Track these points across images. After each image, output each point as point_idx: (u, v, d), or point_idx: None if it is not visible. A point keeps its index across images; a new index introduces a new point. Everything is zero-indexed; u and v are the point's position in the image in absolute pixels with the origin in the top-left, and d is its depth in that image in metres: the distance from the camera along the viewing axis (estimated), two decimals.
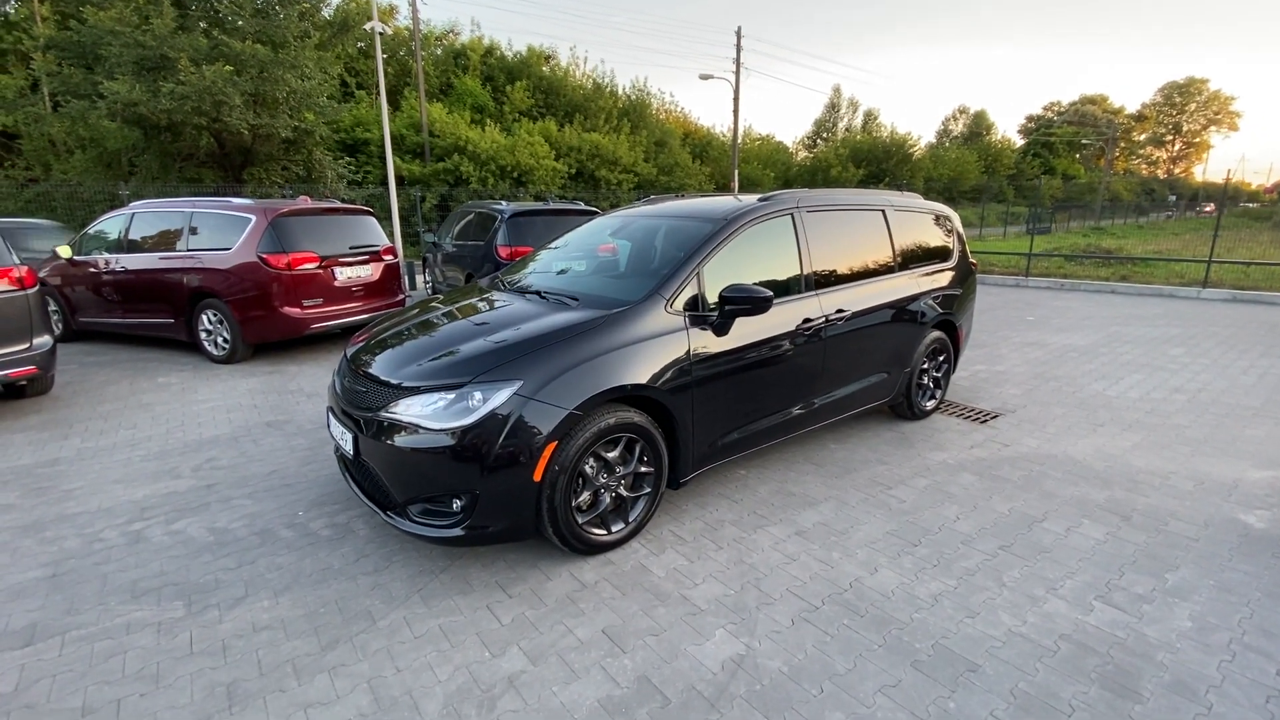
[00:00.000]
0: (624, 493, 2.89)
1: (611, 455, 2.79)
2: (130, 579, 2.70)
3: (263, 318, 6.02)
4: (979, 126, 53.12)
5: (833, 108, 48.12)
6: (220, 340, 6.25)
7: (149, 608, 2.51)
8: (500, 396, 2.49)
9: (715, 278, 3.13)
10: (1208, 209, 47.31)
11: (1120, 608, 2.51)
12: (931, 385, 4.72)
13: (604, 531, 2.84)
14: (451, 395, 2.52)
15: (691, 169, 29.42)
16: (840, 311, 3.69)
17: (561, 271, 3.83)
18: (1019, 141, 56.13)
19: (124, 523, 3.18)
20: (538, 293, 3.38)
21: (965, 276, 4.93)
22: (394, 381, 2.69)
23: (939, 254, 4.70)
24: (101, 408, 4.98)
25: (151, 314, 6.59)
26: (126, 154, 16.32)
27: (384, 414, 2.61)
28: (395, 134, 21.97)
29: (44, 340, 4.67)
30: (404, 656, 2.23)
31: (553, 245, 4.24)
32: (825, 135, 47.09)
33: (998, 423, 4.65)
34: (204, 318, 6.27)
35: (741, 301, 2.97)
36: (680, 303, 3.02)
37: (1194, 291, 10.06)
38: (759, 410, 3.37)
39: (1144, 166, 65.09)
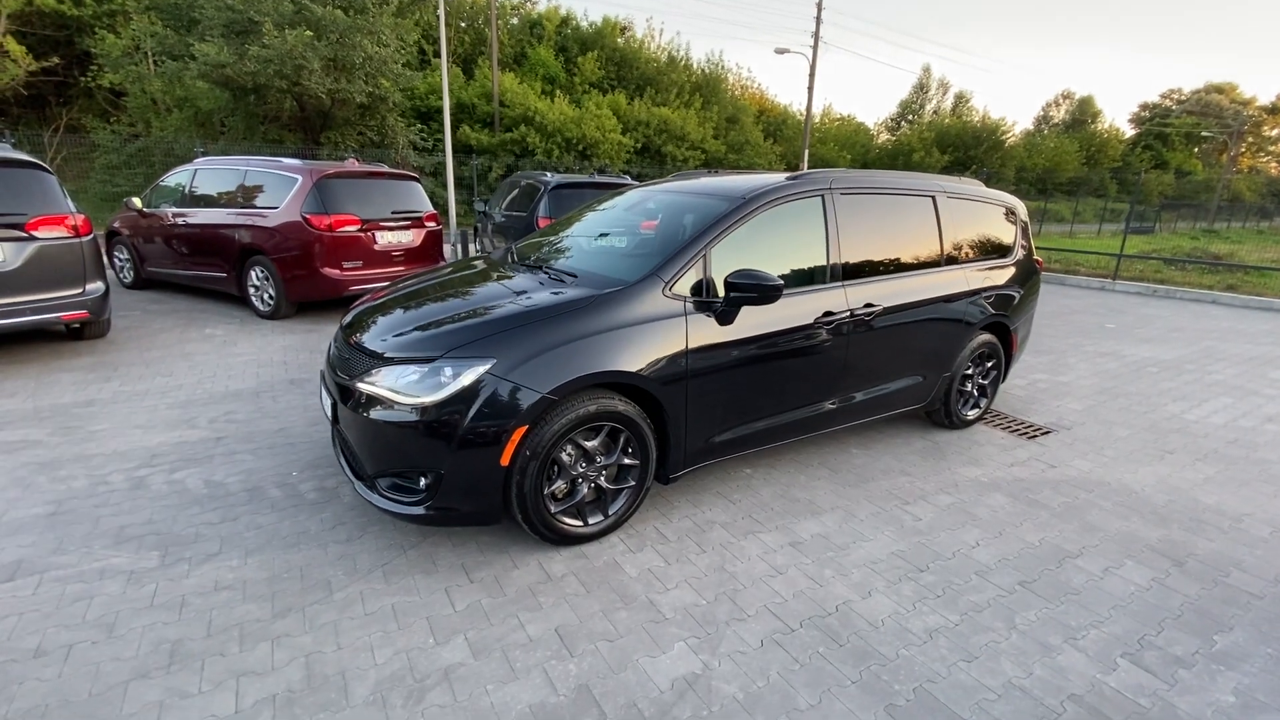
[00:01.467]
0: (605, 484, 2.74)
1: (591, 444, 2.63)
2: (119, 524, 2.77)
3: (304, 277, 6.17)
4: (1083, 113, 48.93)
5: (921, 89, 45.50)
6: (266, 296, 6.47)
7: (127, 555, 2.56)
8: (471, 374, 2.37)
9: (727, 262, 2.89)
10: None
11: (1150, 670, 2.17)
12: (976, 393, 4.31)
13: (579, 523, 2.70)
14: (424, 369, 2.42)
15: (763, 148, 28.49)
16: (869, 306, 3.36)
17: (564, 248, 3.66)
18: (1129, 132, 51.30)
19: (132, 468, 3.29)
20: (539, 267, 3.24)
21: (1027, 276, 4.45)
22: (373, 350, 2.62)
23: (997, 249, 4.25)
24: (148, 354, 5.23)
25: (208, 267, 6.89)
26: (218, 114, 17.21)
27: (360, 383, 2.54)
28: (467, 103, 22.27)
29: (96, 286, 4.92)
30: (349, 633, 2.18)
31: (573, 218, 4.08)
32: (911, 118, 44.61)
33: (1048, 440, 4.20)
34: (252, 274, 6.50)
35: (748, 289, 2.73)
36: (684, 286, 2.80)
37: None
38: (765, 408, 3.13)
39: (1274, 165, 58.33)
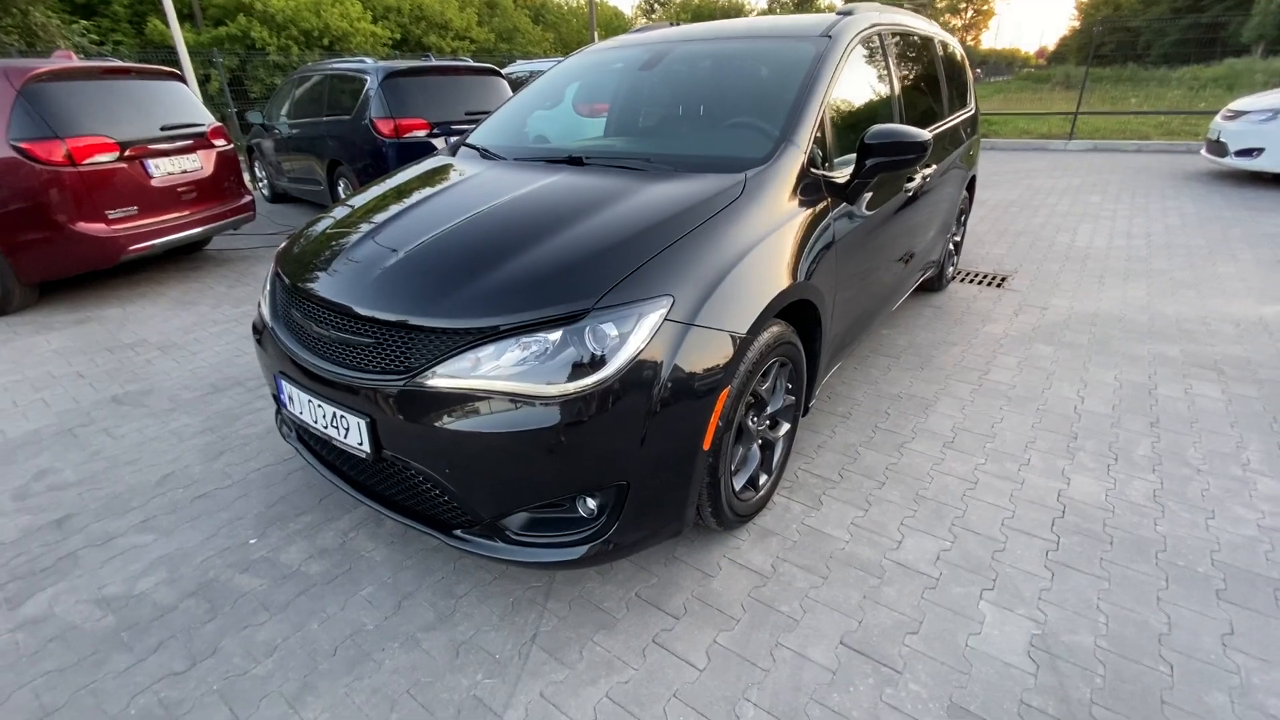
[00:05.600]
0: (770, 435, 2.08)
1: (763, 389, 1.93)
2: None
3: (45, 242, 4.02)
4: None
5: None
6: None
7: None
8: (644, 327, 1.49)
9: (827, 122, 2.22)
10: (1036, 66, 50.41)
11: None
12: (953, 250, 4.28)
13: (753, 492, 2.03)
14: (556, 334, 1.47)
15: (534, 34, 26.20)
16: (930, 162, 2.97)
17: (581, 132, 2.66)
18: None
19: None
20: (577, 160, 2.24)
21: (976, 123, 4.40)
22: (433, 322, 1.54)
23: (963, 97, 4.08)
24: None
25: None
26: None
27: (430, 381, 1.50)
28: None
29: None
30: None
31: (532, 102, 2.97)
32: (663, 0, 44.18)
33: (1013, 285, 4.37)
34: None
35: (894, 151, 2.11)
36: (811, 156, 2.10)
37: (1062, 144, 10.70)
38: (870, 297, 2.64)
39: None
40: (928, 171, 2.94)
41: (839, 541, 2.00)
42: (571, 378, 1.44)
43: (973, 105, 4.20)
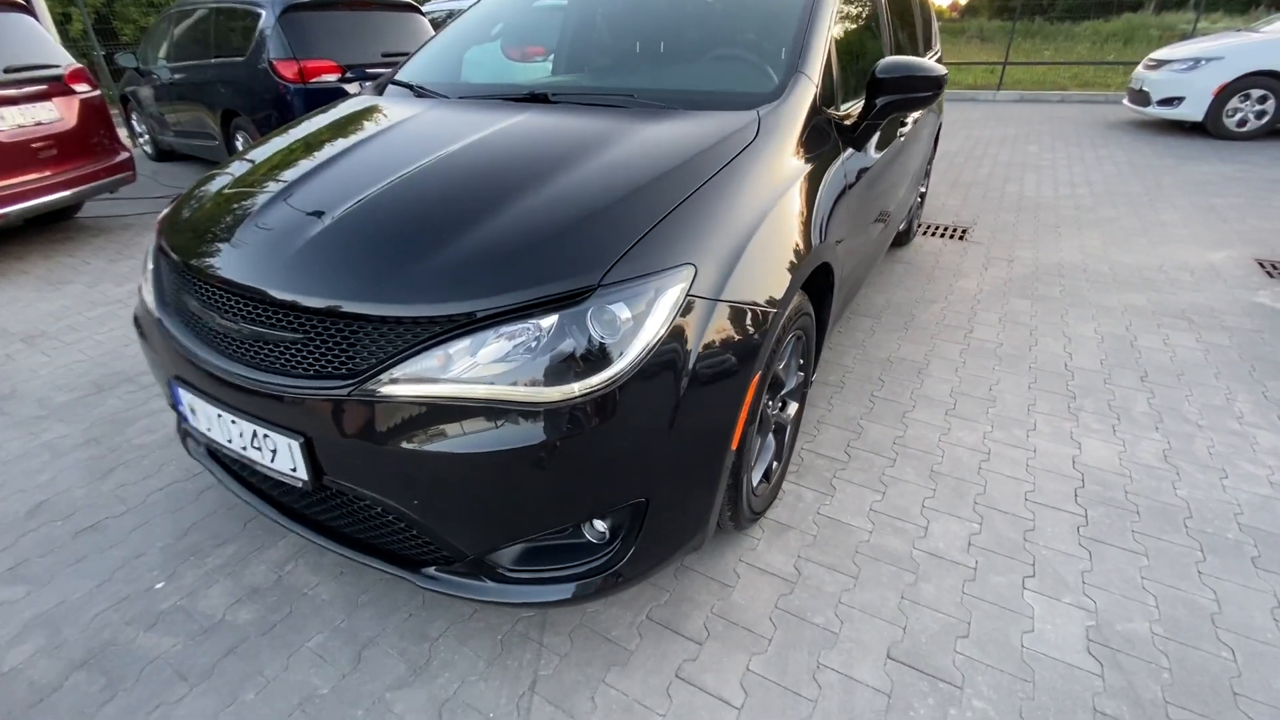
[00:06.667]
0: (781, 418, 1.84)
1: (780, 367, 1.67)
2: None
3: None
4: None
5: None
6: None
7: None
8: (663, 305, 1.18)
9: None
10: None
11: None
12: (919, 201, 4.14)
13: (766, 483, 1.79)
14: (550, 320, 1.14)
15: None
16: None
17: (539, 65, 2.25)
18: None
19: None
20: (541, 97, 1.85)
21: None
22: (383, 309, 1.16)
23: (929, 37, 3.86)
24: None
25: None
26: None
27: (385, 388, 1.14)
28: None
29: None
30: None
31: (469, 34, 2.51)
32: None
33: (974, 236, 4.29)
34: None
35: (911, 86, 1.84)
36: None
37: (991, 94, 10.85)
38: (867, 250, 2.41)
39: None
40: (915, 115, 2.71)
41: (861, 532, 1.80)
42: (574, 376, 1.12)
43: (938, 48, 4.00)
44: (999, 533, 1.79)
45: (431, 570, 1.31)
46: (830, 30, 1.85)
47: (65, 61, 4.16)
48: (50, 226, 4.73)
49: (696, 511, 1.37)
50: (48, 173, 3.93)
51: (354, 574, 1.68)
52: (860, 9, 2.25)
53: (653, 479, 1.24)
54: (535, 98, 1.85)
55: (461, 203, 1.33)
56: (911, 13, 3.17)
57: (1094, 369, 2.64)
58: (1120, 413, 2.34)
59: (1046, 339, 2.89)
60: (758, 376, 1.34)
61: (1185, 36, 9.80)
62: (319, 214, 1.36)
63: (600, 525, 1.29)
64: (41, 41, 4.10)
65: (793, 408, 1.90)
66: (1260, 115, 6.79)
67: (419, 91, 2.11)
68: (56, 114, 4.00)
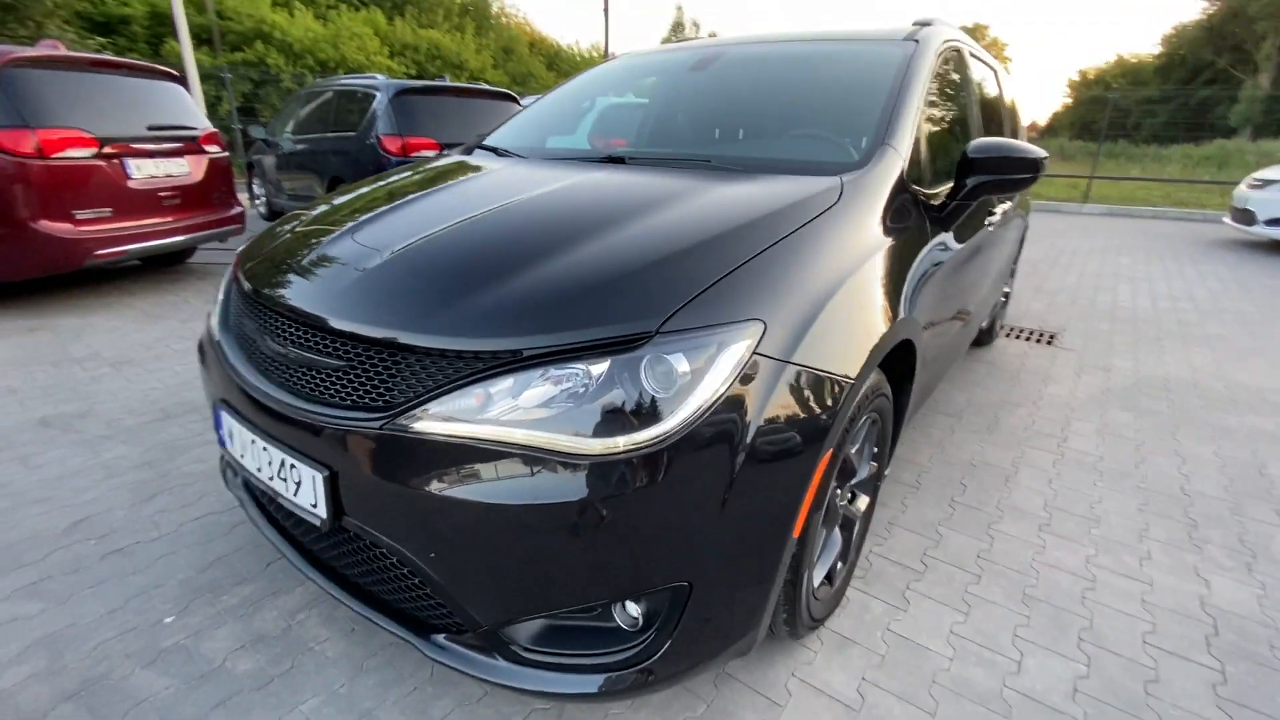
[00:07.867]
0: (849, 511, 1.64)
1: (852, 451, 1.50)
2: None
3: (1, 240, 3.61)
4: None
5: (677, 27, 46.55)
6: None
7: None
8: (726, 361, 1.06)
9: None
10: None
11: None
12: (1003, 300, 3.93)
13: (828, 586, 1.57)
14: (602, 366, 1.04)
15: (547, 79, 26.68)
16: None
17: (627, 131, 2.30)
18: None
19: None
20: (618, 160, 1.86)
21: None
22: (428, 340, 1.10)
23: (1016, 134, 3.79)
24: None
25: None
26: None
27: (418, 424, 1.05)
28: (166, 12, 16.73)
29: None
30: None
31: (554, 109, 2.62)
32: None
33: (1064, 343, 4.00)
34: None
35: (1006, 167, 1.74)
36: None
37: (1077, 207, 10.61)
38: (951, 341, 2.23)
39: None
40: (1005, 208, 2.59)
41: (940, 659, 1.52)
42: (620, 430, 1.00)
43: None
44: (1112, 679, 1.48)
45: (441, 638, 1.17)
46: (920, 107, 1.80)
47: (202, 125, 4.67)
48: (163, 268, 5.16)
49: (747, 607, 1.18)
50: (169, 219, 4.31)
51: (365, 633, 1.54)
52: (951, 95, 2.20)
53: (699, 561, 1.08)
54: (611, 160, 1.86)
55: (522, 244, 1.29)
56: (1000, 114, 3.11)
57: (1218, 495, 2.29)
58: (1256, 550, 1.98)
59: (1156, 457, 2.56)
60: (829, 455, 1.18)
61: None
62: (380, 249, 1.35)
63: (634, 609, 1.12)
64: (186, 108, 4.64)
65: (863, 501, 1.69)
66: None
67: (501, 153, 2.18)
68: (187, 169, 4.44)
